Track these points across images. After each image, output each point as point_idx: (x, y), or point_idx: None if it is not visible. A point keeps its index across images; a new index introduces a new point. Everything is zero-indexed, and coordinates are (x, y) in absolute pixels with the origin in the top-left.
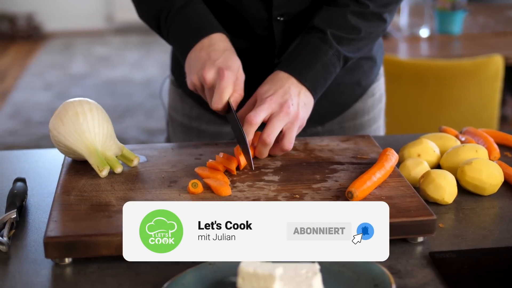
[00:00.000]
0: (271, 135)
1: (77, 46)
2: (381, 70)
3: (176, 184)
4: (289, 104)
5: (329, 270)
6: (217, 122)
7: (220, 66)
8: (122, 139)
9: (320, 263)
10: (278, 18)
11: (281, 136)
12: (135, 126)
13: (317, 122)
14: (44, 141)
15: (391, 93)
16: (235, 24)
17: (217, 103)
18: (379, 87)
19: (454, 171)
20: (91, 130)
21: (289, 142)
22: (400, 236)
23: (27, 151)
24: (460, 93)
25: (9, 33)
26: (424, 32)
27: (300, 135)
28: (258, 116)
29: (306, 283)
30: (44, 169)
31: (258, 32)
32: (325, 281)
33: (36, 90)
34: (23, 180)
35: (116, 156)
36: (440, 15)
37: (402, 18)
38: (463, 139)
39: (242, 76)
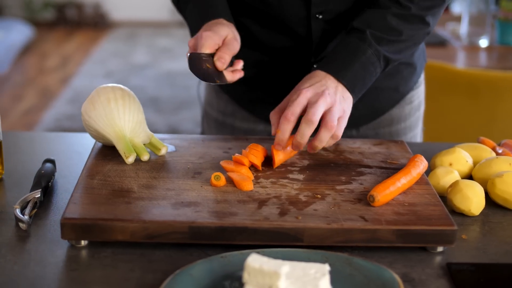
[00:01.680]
0: (316, 114)
1: (141, 36)
2: (422, 78)
3: (200, 176)
4: (326, 93)
5: (340, 272)
6: (251, 119)
7: (205, 29)
8: (176, 131)
9: (332, 264)
10: (317, 16)
11: (322, 122)
12: (190, 119)
13: (351, 125)
14: None
15: (442, 102)
16: (273, 21)
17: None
18: (418, 94)
19: (485, 182)
20: (121, 116)
21: (332, 121)
22: (418, 244)
23: (61, 133)
24: None
25: (76, 20)
26: (483, 42)
27: None
28: (294, 112)
29: (313, 283)
30: (75, 152)
31: (295, 30)
32: (334, 282)
33: (97, 77)
34: (52, 161)
35: (144, 144)
36: (501, 25)
37: (462, 27)
38: (500, 151)
39: (230, 45)
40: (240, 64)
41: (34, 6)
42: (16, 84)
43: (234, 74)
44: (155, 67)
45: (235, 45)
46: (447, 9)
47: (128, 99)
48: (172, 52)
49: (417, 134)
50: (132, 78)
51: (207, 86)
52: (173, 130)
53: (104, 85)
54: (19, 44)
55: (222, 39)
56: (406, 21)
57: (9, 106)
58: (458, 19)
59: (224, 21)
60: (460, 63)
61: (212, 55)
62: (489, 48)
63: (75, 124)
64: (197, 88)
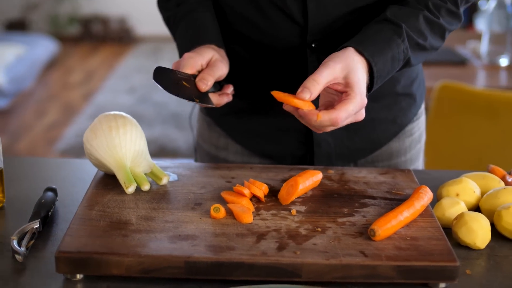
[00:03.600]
0: (345, 121)
1: (165, 51)
2: (422, 108)
3: (200, 207)
4: (363, 112)
5: None
6: (245, 153)
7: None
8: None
9: None
10: (313, 45)
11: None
12: None
13: (348, 159)
14: None
15: (459, 123)
16: (266, 50)
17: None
18: (419, 126)
19: (492, 214)
20: (122, 145)
21: (340, 123)
22: (420, 280)
23: (65, 159)
24: None
25: (101, 35)
26: (504, 61)
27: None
28: (344, 117)
29: None
30: (79, 179)
31: (290, 59)
32: None
33: (120, 92)
34: (53, 189)
35: (146, 174)
36: None
37: (482, 45)
38: (510, 179)
39: (214, 67)
40: (229, 89)
41: (59, 21)
42: (40, 99)
43: (221, 97)
44: None
45: (221, 67)
46: (470, 26)
47: (130, 128)
48: None
49: (418, 167)
50: (154, 94)
51: (199, 117)
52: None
53: (107, 112)
54: (44, 59)
55: (206, 60)
56: (432, 29)
57: (32, 121)
58: (479, 37)
59: (214, 46)
60: (480, 82)
61: (194, 76)
62: (509, 67)
63: None
64: (189, 118)
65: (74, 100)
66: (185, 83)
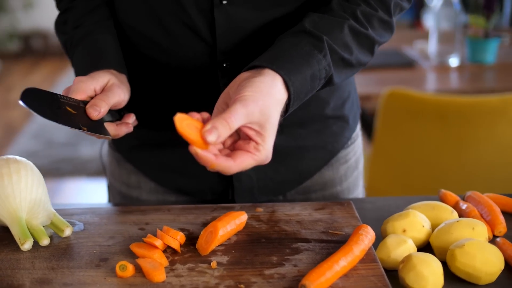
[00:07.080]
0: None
1: None
2: (357, 131)
3: (106, 264)
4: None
5: None
6: (160, 190)
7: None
8: None
9: None
10: (224, 65)
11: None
12: None
13: (273, 192)
14: (64, 164)
15: (409, 131)
16: (173, 73)
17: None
18: (355, 150)
19: (445, 252)
20: (16, 194)
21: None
22: None
23: None
24: (486, 133)
25: (42, 50)
26: (453, 61)
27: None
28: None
29: None
30: None
31: (199, 82)
32: None
33: None
34: None
35: (46, 225)
36: (471, 43)
37: (430, 45)
38: (464, 207)
39: (110, 92)
40: (130, 118)
41: None
42: None
43: (119, 127)
44: None
45: (118, 93)
46: (418, 23)
47: (25, 174)
48: None
49: (358, 196)
50: None
51: (108, 154)
52: None
53: None
54: None
55: (100, 85)
56: (359, 41)
57: None
58: (426, 36)
59: (112, 71)
60: (431, 85)
61: (85, 103)
62: (460, 68)
63: (38, 161)
64: (100, 154)
65: (15, 119)
66: (69, 109)
